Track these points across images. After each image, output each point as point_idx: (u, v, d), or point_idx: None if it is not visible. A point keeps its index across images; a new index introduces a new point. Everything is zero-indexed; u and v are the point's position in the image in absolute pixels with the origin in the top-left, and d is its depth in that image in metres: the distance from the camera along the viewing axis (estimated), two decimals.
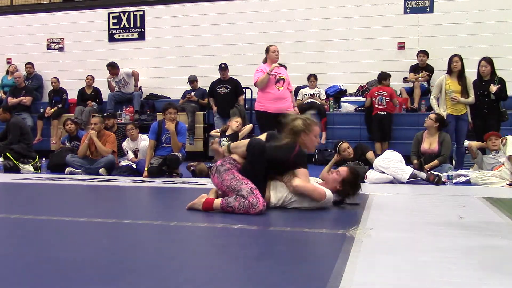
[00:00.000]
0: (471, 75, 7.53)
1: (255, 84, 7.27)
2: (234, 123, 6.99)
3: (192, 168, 6.92)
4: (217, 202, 3.81)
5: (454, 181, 6.13)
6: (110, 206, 4.63)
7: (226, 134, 7.00)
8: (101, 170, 7.08)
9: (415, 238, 3.07)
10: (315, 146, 4.31)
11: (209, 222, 3.55)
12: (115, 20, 11.75)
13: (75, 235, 3.19)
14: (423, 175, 5.93)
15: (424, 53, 9.63)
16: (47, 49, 12.18)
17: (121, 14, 11.71)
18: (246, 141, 4.05)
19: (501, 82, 7.46)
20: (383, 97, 9.04)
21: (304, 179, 3.95)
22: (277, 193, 4.04)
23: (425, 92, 9.61)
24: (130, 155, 7.53)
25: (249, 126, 7.32)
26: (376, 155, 6.64)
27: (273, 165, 3.96)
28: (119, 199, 5.26)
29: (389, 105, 9.06)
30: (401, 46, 10.24)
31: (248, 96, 10.16)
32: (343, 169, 4.27)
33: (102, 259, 2.53)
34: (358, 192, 4.21)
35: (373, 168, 6.28)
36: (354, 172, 4.29)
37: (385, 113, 9.00)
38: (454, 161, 7.70)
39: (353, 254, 2.58)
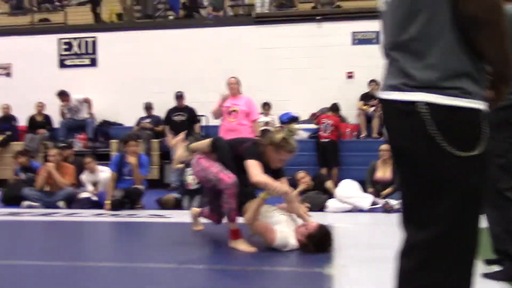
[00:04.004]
0: None
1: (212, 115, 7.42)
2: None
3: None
4: (231, 224, 3.98)
5: None
6: (82, 245, 4.64)
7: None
8: (60, 204, 6.99)
9: (388, 273, 3.29)
10: (275, 165, 4.12)
11: (193, 263, 3.64)
12: (67, 46, 11.60)
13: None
14: (381, 202, 6.29)
15: (374, 82, 10.15)
16: None
17: (72, 40, 11.58)
18: (207, 140, 4.22)
19: None
20: (328, 125, 9.43)
21: (253, 171, 3.82)
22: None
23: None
24: (90, 187, 7.46)
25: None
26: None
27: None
28: (85, 236, 5.26)
29: (334, 133, 9.44)
30: (350, 76, 10.71)
31: (204, 123, 10.30)
32: (312, 225, 3.97)
33: None
34: (322, 251, 3.84)
35: (332, 198, 6.56)
36: (323, 232, 3.93)
37: (329, 140, 9.37)
38: None
39: None
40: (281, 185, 3.95)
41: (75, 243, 4.77)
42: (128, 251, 4.31)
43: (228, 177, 3.90)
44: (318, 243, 3.83)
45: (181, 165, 7.22)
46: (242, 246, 3.93)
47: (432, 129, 1.45)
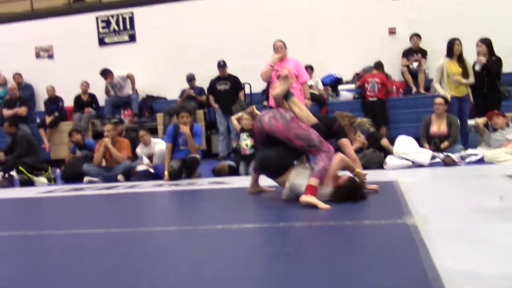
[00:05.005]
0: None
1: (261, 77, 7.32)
2: (246, 121, 7.05)
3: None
4: (314, 180, 4.00)
5: (467, 160, 6.40)
6: (168, 214, 4.76)
7: (245, 129, 7.08)
8: (119, 177, 7.15)
9: (472, 224, 3.24)
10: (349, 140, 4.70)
11: (288, 221, 3.70)
12: (104, 24, 11.67)
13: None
14: (441, 156, 6.19)
15: (417, 36, 9.88)
16: (36, 57, 12.04)
17: (110, 18, 11.63)
18: (311, 116, 4.39)
19: (498, 62, 7.75)
20: (375, 83, 9.27)
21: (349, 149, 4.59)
22: (294, 179, 4.20)
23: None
24: (145, 160, 7.59)
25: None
26: None
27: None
28: (151, 205, 5.36)
29: (381, 92, 9.28)
30: (392, 32, 10.46)
31: (247, 91, 10.28)
32: (344, 177, 4.22)
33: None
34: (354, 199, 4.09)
35: (388, 155, 6.50)
36: (352, 187, 4.15)
37: (376, 98, 9.22)
38: None
39: (429, 243, 2.75)
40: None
41: (140, 212, 4.87)
42: (201, 215, 4.39)
43: (328, 143, 4.23)
44: (344, 196, 4.08)
45: (238, 125, 7.23)
46: (316, 202, 3.93)
47: None
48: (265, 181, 4.88)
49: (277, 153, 4.28)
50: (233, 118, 7.66)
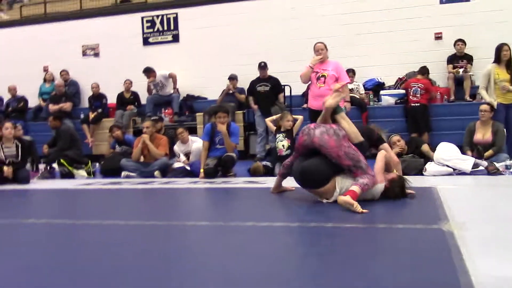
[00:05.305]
0: None
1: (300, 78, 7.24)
2: (287, 122, 7.02)
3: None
4: (357, 188, 3.95)
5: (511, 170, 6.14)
6: (200, 209, 4.80)
7: (281, 130, 7.05)
8: (156, 173, 7.22)
9: (510, 232, 3.11)
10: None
11: (303, 222, 3.65)
12: (149, 24, 11.88)
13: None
14: (484, 163, 5.96)
15: (462, 41, 9.60)
16: (83, 55, 12.36)
17: (155, 18, 11.83)
18: (358, 133, 4.36)
19: None
20: (418, 88, 9.05)
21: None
22: (341, 183, 4.17)
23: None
24: (182, 157, 7.65)
25: (300, 119, 7.32)
26: None
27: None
28: (184, 200, 5.39)
29: (424, 97, 9.05)
30: (438, 37, 10.19)
31: (287, 93, 10.23)
32: (392, 175, 4.45)
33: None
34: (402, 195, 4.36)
35: (429, 161, 6.30)
36: (402, 184, 4.40)
37: (419, 104, 9.00)
38: None
39: (463, 249, 2.64)
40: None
41: (174, 207, 4.90)
42: (233, 212, 4.38)
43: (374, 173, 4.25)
44: (401, 187, 4.33)
45: (272, 128, 7.22)
46: (355, 204, 3.80)
47: None
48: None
49: (319, 164, 4.21)
50: (268, 120, 7.63)
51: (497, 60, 7.34)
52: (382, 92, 9.99)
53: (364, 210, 3.75)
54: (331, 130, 4.20)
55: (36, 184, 7.07)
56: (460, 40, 9.69)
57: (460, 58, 9.73)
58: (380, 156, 4.39)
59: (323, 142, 4.14)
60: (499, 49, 7.32)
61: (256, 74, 9.94)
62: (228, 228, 3.54)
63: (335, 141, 4.11)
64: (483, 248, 2.71)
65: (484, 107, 6.84)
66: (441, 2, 10.19)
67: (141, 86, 11.21)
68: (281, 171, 4.94)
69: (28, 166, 7.43)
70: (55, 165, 7.92)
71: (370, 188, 4.10)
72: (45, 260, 2.82)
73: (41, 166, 8.06)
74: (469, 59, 9.70)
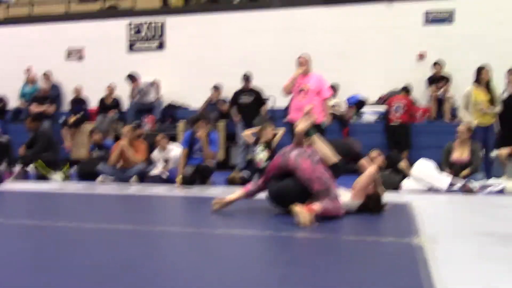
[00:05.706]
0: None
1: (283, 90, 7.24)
2: (270, 131, 7.01)
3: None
4: (318, 206, 3.86)
5: (487, 190, 6.18)
6: (172, 216, 4.73)
7: (261, 141, 7.03)
8: (133, 179, 7.14)
9: (478, 246, 3.12)
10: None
11: (274, 231, 3.62)
12: (135, 30, 11.84)
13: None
14: (460, 182, 6.00)
15: (438, 64, 9.77)
16: (67, 58, 12.25)
17: (142, 24, 11.80)
18: (332, 155, 4.29)
19: None
20: (399, 107, 9.15)
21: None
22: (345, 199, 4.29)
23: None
24: (161, 164, 7.58)
25: (281, 132, 7.32)
26: None
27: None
28: (157, 207, 5.33)
29: (405, 115, 9.13)
30: (421, 56, 10.32)
31: (271, 104, 10.24)
32: (369, 190, 4.44)
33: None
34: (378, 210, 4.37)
35: (406, 178, 6.33)
36: (378, 198, 4.42)
37: (399, 122, 9.08)
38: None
39: (431, 262, 2.63)
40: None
41: (146, 212, 4.84)
42: (202, 219, 4.33)
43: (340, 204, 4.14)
44: (377, 201, 4.34)
45: (250, 139, 7.20)
46: (305, 215, 3.69)
47: None
48: None
49: (294, 185, 4.17)
50: (247, 131, 7.63)
51: (477, 81, 7.44)
52: (364, 109, 10.05)
53: (315, 223, 3.69)
54: (306, 153, 4.20)
55: (9, 185, 6.94)
56: (437, 62, 9.85)
57: (439, 79, 9.87)
58: (368, 172, 4.35)
59: (298, 164, 4.13)
60: (479, 70, 7.42)
61: (240, 85, 9.95)
62: (198, 234, 3.49)
63: (310, 164, 4.10)
64: (450, 261, 2.71)
65: (461, 127, 6.91)
66: (425, 24, 10.35)
67: (124, 92, 11.13)
68: (250, 192, 4.59)
69: (3, 166, 7.31)
70: (29, 168, 7.79)
71: (331, 215, 3.96)
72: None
73: (16, 168, 7.92)
74: (447, 80, 9.84)
